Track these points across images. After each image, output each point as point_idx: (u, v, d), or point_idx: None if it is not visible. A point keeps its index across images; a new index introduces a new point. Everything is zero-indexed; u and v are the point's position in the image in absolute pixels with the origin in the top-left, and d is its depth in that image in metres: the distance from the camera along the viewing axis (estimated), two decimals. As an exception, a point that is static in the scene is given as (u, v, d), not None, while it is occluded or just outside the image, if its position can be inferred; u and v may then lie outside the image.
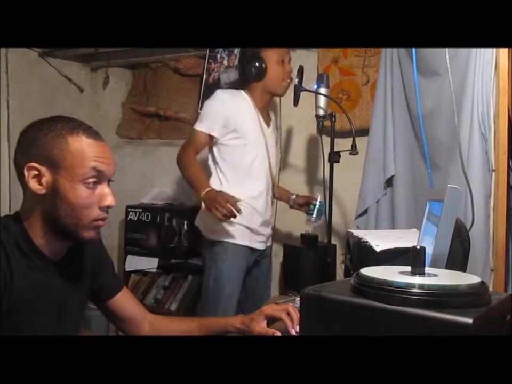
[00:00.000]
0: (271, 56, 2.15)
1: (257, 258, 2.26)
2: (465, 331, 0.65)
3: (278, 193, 2.41)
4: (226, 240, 2.12)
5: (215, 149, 2.18)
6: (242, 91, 2.21)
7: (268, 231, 2.28)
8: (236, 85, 2.27)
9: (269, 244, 2.33)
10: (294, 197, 2.36)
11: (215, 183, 2.16)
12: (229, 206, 1.94)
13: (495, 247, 1.58)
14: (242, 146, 2.14)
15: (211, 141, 2.17)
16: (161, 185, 3.23)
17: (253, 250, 2.20)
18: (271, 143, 2.26)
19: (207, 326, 1.30)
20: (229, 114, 2.13)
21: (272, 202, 2.31)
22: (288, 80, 2.20)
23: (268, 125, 2.26)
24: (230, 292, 2.10)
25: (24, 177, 1.03)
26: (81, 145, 1.03)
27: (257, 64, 2.14)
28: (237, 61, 2.68)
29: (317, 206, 2.24)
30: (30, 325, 1.04)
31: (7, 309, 0.99)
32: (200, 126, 2.16)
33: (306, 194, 2.51)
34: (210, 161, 2.22)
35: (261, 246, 2.24)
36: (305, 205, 2.31)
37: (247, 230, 2.15)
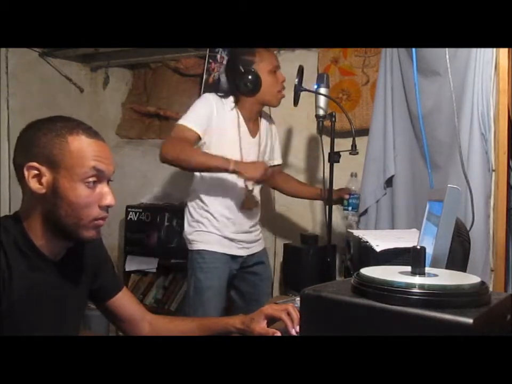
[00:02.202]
0: (264, 67, 2.07)
1: (244, 265, 2.21)
2: (465, 331, 0.65)
3: (302, 193, 2.37)
4: (203, 249, 2.09)
5: None
6: (231, 101, 2.11)
7: (249, 237, 2.20)
8: (225, 92, 2.15)
9: (257, 249, 2.25)
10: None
11: (197, 189, 2.14)
12: (262, 168, 1.92)
13: (495, 247, 1.58)
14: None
15: (197, 140, 2.05)
16: (161, 185, 3.23)
17: (233, 257, 2.15)
18: (250, 155, 2.14)
19: (207, 326, 1.30)
20: (211, 118, 2.05)
21: (250, 209, 2.18)
22: (283, 91, 2.13)
23: (254, 135, 2.18)
24: (209, 299, 2.06)
25: (24, 177, 1.03)
26: (81, 144, 1.03)
27: (251, 78, 2.04)
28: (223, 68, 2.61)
29: (350, 200, 2.16)
30: (30, 325, 1.03)
31: (6, 309, 0.99)
32: (188, 122, 2.03)
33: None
34: None
35: (242, 252, 2.17)
36: (338, 200, 2.21)
37: (223, 238, 2.12)
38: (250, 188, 2.12)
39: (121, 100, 3.43)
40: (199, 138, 2.05)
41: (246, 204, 2.13)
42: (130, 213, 3.05)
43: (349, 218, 2.18)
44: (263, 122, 2.26)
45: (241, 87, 2.07)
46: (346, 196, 2.16)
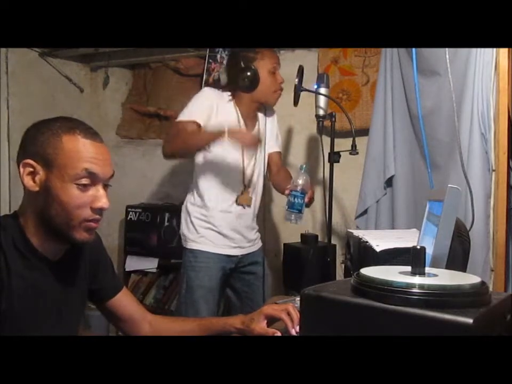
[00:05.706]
0: (264, 66, 2.07)
1: (240, 265, 2.19)
2: (465, 331, 0.65)
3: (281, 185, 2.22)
4: (196, 248, 2.09)
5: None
6: (228, 96, 2.13)
7: (246, 236, 2.18)
8: (223, 88, 2.18)
9: (253, 249, 2.22)
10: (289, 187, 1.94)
11: (196, 185, 2.14)
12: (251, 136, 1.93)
13: (495, 247, 1.58)
14: (216, 150, 2.07)
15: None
16: (161, 185, 3.23)
17: (228, 256, 2.14)
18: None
19: (207, 326, 1.30)
20: (212, 111, 2.05)
21: (243, 206, 2.15)
22: (280, 91, 2.13)
23: (251, 129, 2.16)
24: (200, 298, 2.05)
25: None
26: (75, 145, 1.02)
27: (250, 74, 2.05)
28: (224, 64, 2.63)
29: (290, 198, 1.80)
30: (29, 325, 1.03)
31: (5, 309, 0.99)
32: (186, 116, 2.02)
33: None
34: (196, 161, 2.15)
35: (236, 252, 2.16)
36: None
37: (219, 236, 2.11)
38: (246, 162, 2.10)
39: (121, 100, 3.43)
40: (200, 127, 2.02)
41: (239, 200, 2.12)
42: (130, 213, 3.05)
43: (290, 219, 1.80)
44: (261, 116, 2.23)
45: (239, 82, 2.07)
46: (286, 192, 1.84)
